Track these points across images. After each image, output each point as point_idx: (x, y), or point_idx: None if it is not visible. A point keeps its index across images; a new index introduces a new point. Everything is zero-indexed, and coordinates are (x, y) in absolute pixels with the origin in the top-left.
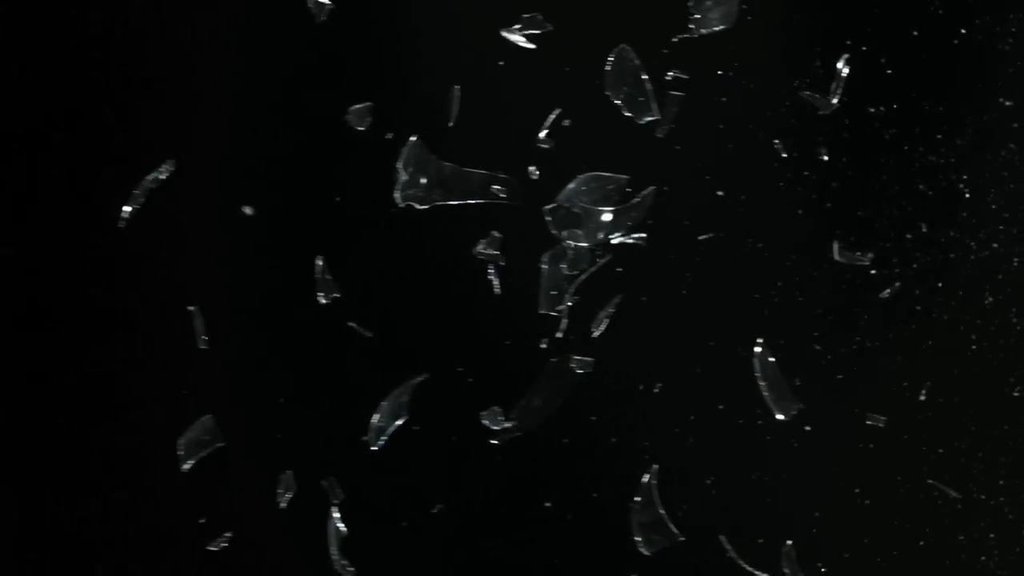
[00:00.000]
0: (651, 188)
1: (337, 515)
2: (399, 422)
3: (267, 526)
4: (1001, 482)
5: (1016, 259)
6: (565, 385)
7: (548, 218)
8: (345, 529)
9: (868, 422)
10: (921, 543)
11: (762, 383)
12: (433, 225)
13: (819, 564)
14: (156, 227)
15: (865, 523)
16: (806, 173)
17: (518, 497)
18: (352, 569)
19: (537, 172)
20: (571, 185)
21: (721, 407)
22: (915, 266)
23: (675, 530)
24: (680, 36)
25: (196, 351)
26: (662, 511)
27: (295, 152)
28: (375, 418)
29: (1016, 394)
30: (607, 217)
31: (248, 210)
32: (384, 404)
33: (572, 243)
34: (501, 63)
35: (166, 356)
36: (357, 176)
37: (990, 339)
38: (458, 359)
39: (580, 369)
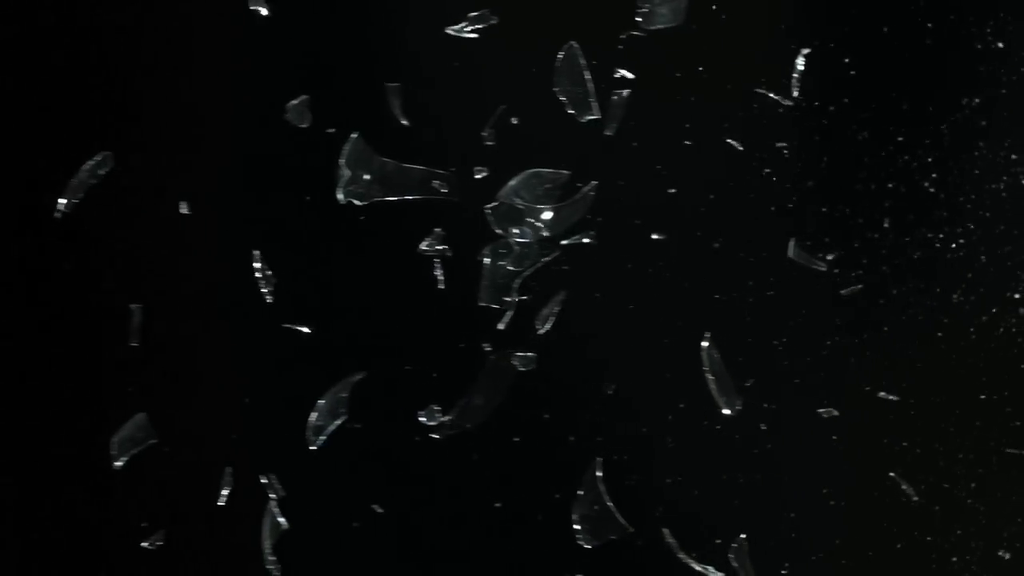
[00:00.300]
0: (591, 184)
1: (276, 509)
2: (338, 421)
3: (204, 524)
4: (973, 484)
5: (983, 256)
6: (505, 382)
7: (489, 215)
8: (286, 523)
9: (823, 414)
10: (887, 544)
11: (710, 377)
12: (376, 222)
13: (783, 564)
14: (93, 223)
15: (831, 523)
16: (767, 171)
17: (466, 496)
18: (279, 568)
19: (484, 172)
20: (512, 182)
21: (681, 405)
22: (880, 265)
23: (623, 522)
24: (628, 33)
25: (130, 348)
26: (609, 504)
27: (235, 149)
28: (313, 416)
29: (983, 397)
30: (547, 215)
31: (184, 208)
32: (322, 403)
33: (518, 240)
34: (452, 61)
35: (100, 353)
36: (298, 173)
37: (959, 338)
38: (401, 357)
39: (523, 366)
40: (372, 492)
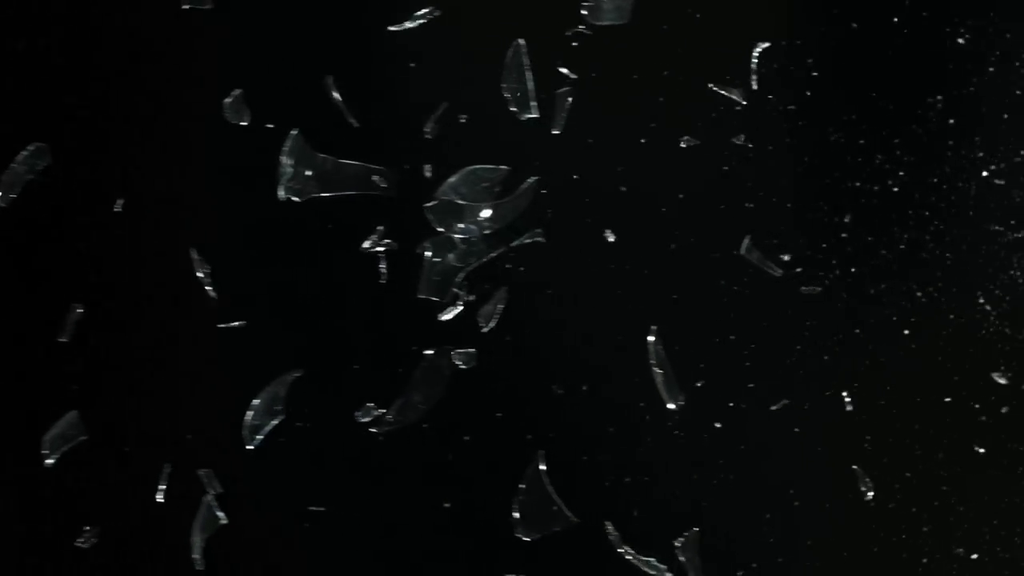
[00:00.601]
0: (531, 180)
1: (214, 503)
2: (275, 421)
3: (139, 522)
4: (941, 484)
5: (949, 254)
6: (442, 380)
7: (429, 213)
8: (225, 518)
9: (773, 408)
10: (839, 544)
11: (657, 371)
12: (315, 218)
13: (735, 560)
14: (27, 220)
15: (786, 521)
16: (726, 168)
17: (411, 495)
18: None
19: (430, 170)
20: (452, 179)
21: (632, 402)
22: (847, 265)
23: (569, 514)
24: (574, 30)
25: (62, 345)
26: (551, 491)
27: (172, 146)
28: (248, 416)
29: (948, 400)
30: (486, 212)
31: (119, 206)
32: (257, 402)
33: (461, 235)
34: (397, 57)
35: (32, 350)
36: (237, 169)
37: (927, 338)
38: (343, 354)
39: (463, 364)
40: (312, 492)
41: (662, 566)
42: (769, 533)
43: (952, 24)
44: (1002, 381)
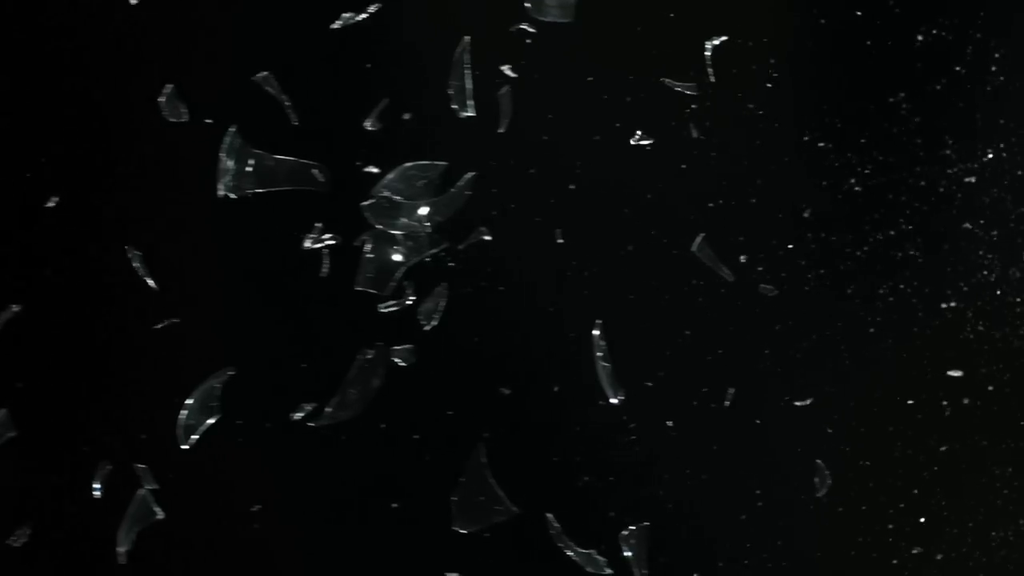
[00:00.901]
0: (469, 175)
1: (148, 495)
2: (211, 420)
3: (73, 520)
4: (870, 483)
5: (914, 251)
6: (376, 376)
7: (366, 212)
8: (161, 513)
9: (726, 402)
10: (797, 542)
11: (604, 365)
12: (254, 215)
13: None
14: None
15: (731, 518)
16: (684, 166)
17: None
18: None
19: (375, 168)
20: (389, 175)
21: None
22: (807, 264)
23: (510, 505)
24: (517, 26)
25: None
26: (497, 489)
27: (106, 142)
28: (182, 415)
29: (911, 402)
30: (424, 209)
31: (51, 202)
32: (191, 402)
33: (402, 232)
34: (339, 53)
35: None
36: (174, 166)
37: (890, 338)
38: (283, 352)
39: (402, 361)
40: (250, 491)
41: (601, 559)
42: (721, 529)
43: (921, 21)
44: (957, 374)
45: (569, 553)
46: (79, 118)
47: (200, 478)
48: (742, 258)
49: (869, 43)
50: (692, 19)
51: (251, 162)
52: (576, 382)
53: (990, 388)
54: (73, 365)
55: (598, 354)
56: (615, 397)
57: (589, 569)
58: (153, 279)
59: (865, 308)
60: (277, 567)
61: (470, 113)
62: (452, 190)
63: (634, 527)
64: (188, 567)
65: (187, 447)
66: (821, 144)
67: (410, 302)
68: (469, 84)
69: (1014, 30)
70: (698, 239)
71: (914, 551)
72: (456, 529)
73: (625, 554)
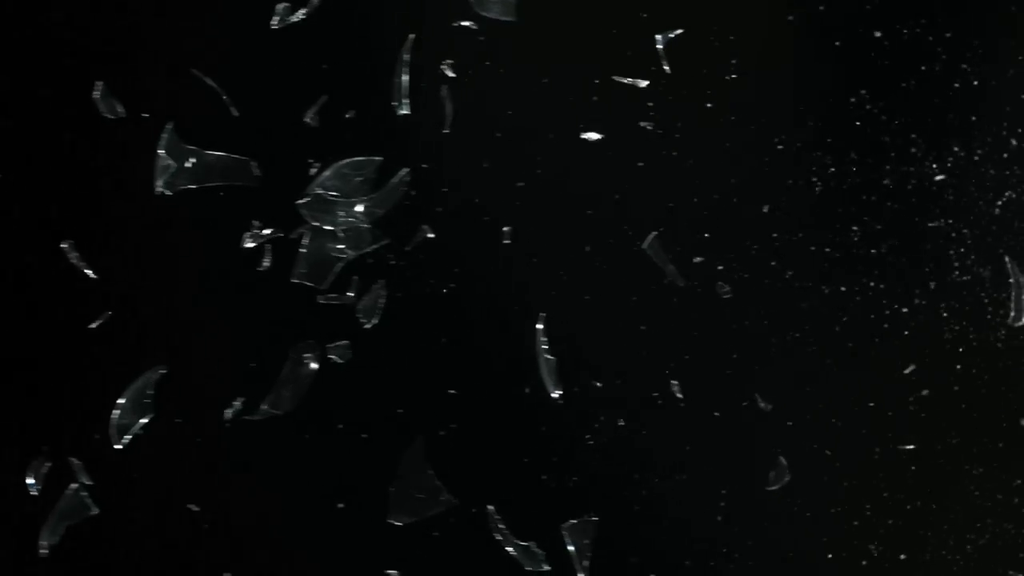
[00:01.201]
0: (403, 171)
1: (84, 493)
2: (144, 420)
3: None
4: (835, 482)
5: (883, 249)
6: (308, 373)
7: (302, 209)
8: (95, 508)
9: (662, 397)
10: (742, 539)
11: (548, 358)
12: (188, 211)
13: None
14: None
15: (680, 510)
16: (641, 164)
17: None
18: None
19: (318, 166)
20: (326, 172)
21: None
22: (769, 263)
23: (450, 497)
24: (459, 23)
25: None
26: (436, 482)
27: (42, 139)
28: (115, 415)
29: (879, 402)
30: (360, 206)
31: None
32: (123, 401)
33: (341, 227)
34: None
35: None
36: (111, 163)
37: (852, 337)
38: (218, 349)
39: (339, 358)
40: (187, 490)
41: (540, 552)
42: (666, 525)
43: (889, 19)
44: (917, 373)
45: (508, 549)
46: (15, 114)
47: (135, 476)
48: (696, 259)
49: (837, 43)
50: (650, 12)
51: (192, 160)
52: (521, 379)
53: (955, 389)
54: (7, 363)
55: (541, 348)
56: (556, 391)
57: (528, 567)
58: (90, 276)
59: (832, 307)
60: (213, 564)
61: (405, 112)
62: (387, 186)
63: (575, 520)
64: (121, 565)
65: (120, 447)
66: (781, 146)
67: (350, 295)
68: (406, 81)
69: (983, 28)
70: (650, 237)
71: (884, 551)
72: (392, 522)
73: (568, 548)
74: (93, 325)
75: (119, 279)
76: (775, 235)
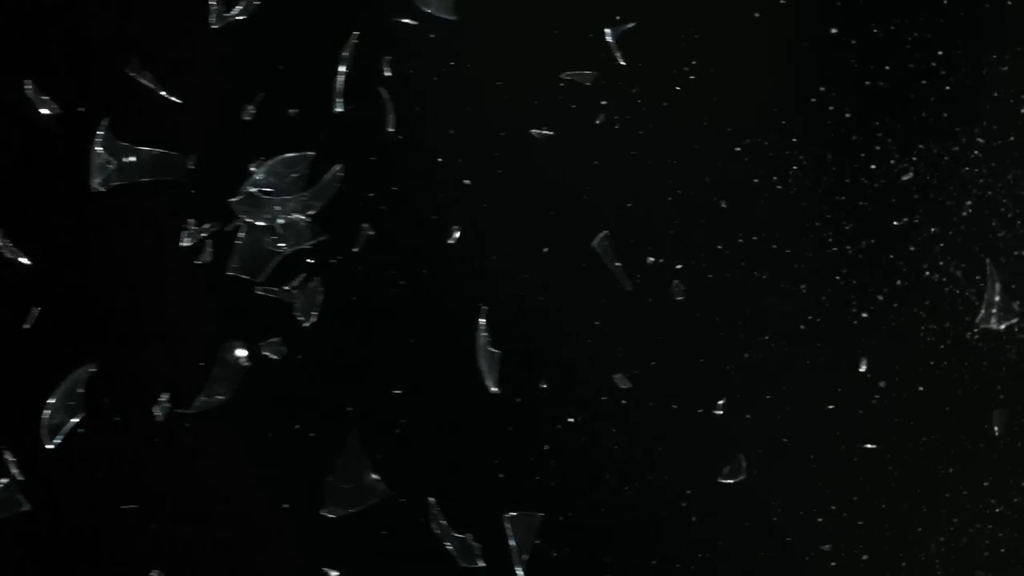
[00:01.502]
0: (336, 168)
1: (15, 487)
2: (75, 420)
3: None
4: (803, 484)
5: (851, 247)
6: (239, 371)
7: (235, 206)
8: (27, 503)
9: (620, 387)
10: (700, 536)
11: (493, 351)
12: (122, 207)
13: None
14: None
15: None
16: (596, 163)
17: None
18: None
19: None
20: (260, 170)
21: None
22: (728, 258)
23: (384, 486)
24: (401, 19)
25: None
26: (373, 473)
27: None
28: (46, 414)
29: (849, 402)
30: (292, 203)
31: None
32: (53, 401)
33: (279, 222)
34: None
35: None
36: (47, 159)
37: (819, 337)
38: (152, 348)
39: (273, 354)
40: (119, 490)
41: (476, 544)
42: (611, 521)
43: (858, 18)
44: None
45: (446, 543)
46: None
47: (68, 473)
48: (649, 259)
49: (806, 43)
50: (615, 7)
51: (131, 158)
52: (463, 375)
53: (924, 389)
54: None
55: (482, 341)
56: (495, 386)
57: (463, 562)
58: (21, 273)
59: (799, 306)
60: (147, 563)
61: (339, 109)
62: (321, 182)
63: (516, 513)
64: (52, 562)
65: (52, 447)
66: (745, 144)
67: (287, 288)
68: (341, 80)
69: (953, 28)
70: (599, 236)
71: (851, 552)
72: (326, 514)
73: (509, 542)
74: (27, 325)
75: (53, 277)
76: (740, 235)
